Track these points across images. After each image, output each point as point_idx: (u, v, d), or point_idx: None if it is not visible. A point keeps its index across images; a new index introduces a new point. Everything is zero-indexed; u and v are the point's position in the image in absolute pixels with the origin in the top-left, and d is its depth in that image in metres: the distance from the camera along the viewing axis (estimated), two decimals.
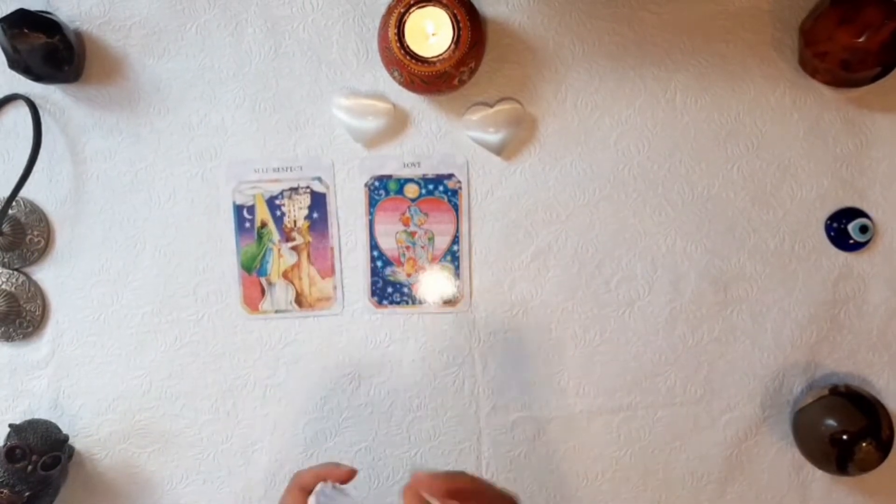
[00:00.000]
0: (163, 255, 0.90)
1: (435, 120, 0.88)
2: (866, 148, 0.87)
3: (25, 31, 0.81)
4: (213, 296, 0.90)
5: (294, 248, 0.90)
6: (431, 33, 0.80)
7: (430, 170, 0.89)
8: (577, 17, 0.87)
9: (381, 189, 0.89)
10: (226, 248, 0.90)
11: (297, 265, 0.90)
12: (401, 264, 0.90)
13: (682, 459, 0.90)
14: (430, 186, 0.89)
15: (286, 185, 0.89)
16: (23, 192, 0.86)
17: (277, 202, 0.89)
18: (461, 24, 0.79)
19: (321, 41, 0.88)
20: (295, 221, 0.89)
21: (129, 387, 0.90)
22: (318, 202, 0.89)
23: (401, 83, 0.85)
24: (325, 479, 0.65)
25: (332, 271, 0.90)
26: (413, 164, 0.89)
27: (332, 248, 0.90)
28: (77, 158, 0.89)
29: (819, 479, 0.90)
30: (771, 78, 0.87)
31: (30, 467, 0.83)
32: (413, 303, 0.90)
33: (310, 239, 0.90)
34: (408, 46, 0.79)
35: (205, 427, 0.91)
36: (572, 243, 0.89)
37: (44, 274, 0.90)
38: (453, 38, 0.79)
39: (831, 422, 0.83)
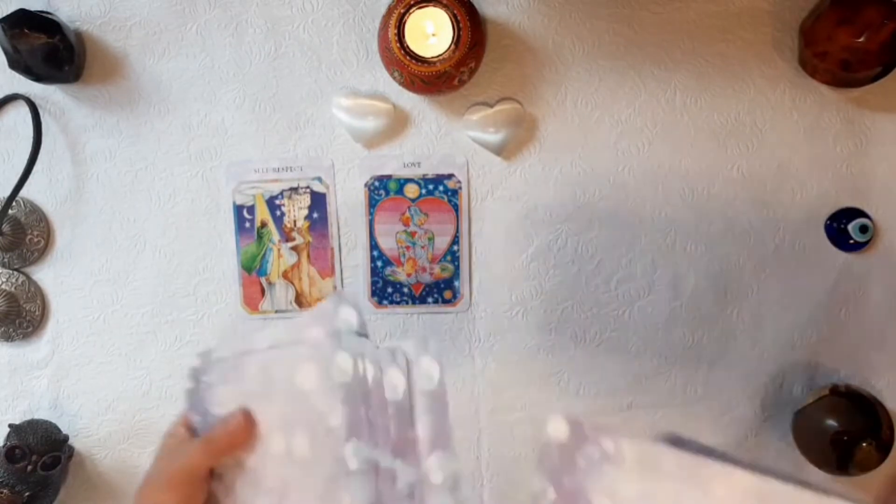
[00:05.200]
0: (163, 255, 0.90)
1: (435, 120, 0.88)
2: (866, 148, 0.87)
3: (25, 31, 0.81)
4: (213, 296, 0.90)
5: (294, 248, 0.90)
6: (431, 33, 0.80)
7: (430, 170, 0.89)
8: (577, 17, 0.87)
9: (381, 189, 0.89)
10: (226, 248, 0.90)
11: (297, 265, 0.90)
12: (401, 264, 0.90)
13: None
14: (430, 186, 0.89)
15: (286, 185, 0.89)
16: (23, 192, 0.86)
17: (277, 202, 0.89)
18: (461, 25, 0.79)
19: (321, 41, 0.88)
20: (295, 221, 0.89)
21: (129, 387, 0.90)
22: (318, 202, 0.89)
23: (401, 83, 0.84)
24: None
25: (332, 271, 0.90)
26: (413, 164, 0.89)
27: (332, 248, 0.90)
28: (77, 158, 0.89)
29: (819, 479, 0.89)
30: (771, 78, 0.87)
31: (30, 467, 0.83)
32: (413, 303, 0.90)
33: (310, 239, 0.90)
34: (408, 47, 0.79)
35: None
36: (572, 243, 0.89)
37: (44, 274, 0.90)
38: (453, 38, 0.79)
39: (831, 422, 0.83)
